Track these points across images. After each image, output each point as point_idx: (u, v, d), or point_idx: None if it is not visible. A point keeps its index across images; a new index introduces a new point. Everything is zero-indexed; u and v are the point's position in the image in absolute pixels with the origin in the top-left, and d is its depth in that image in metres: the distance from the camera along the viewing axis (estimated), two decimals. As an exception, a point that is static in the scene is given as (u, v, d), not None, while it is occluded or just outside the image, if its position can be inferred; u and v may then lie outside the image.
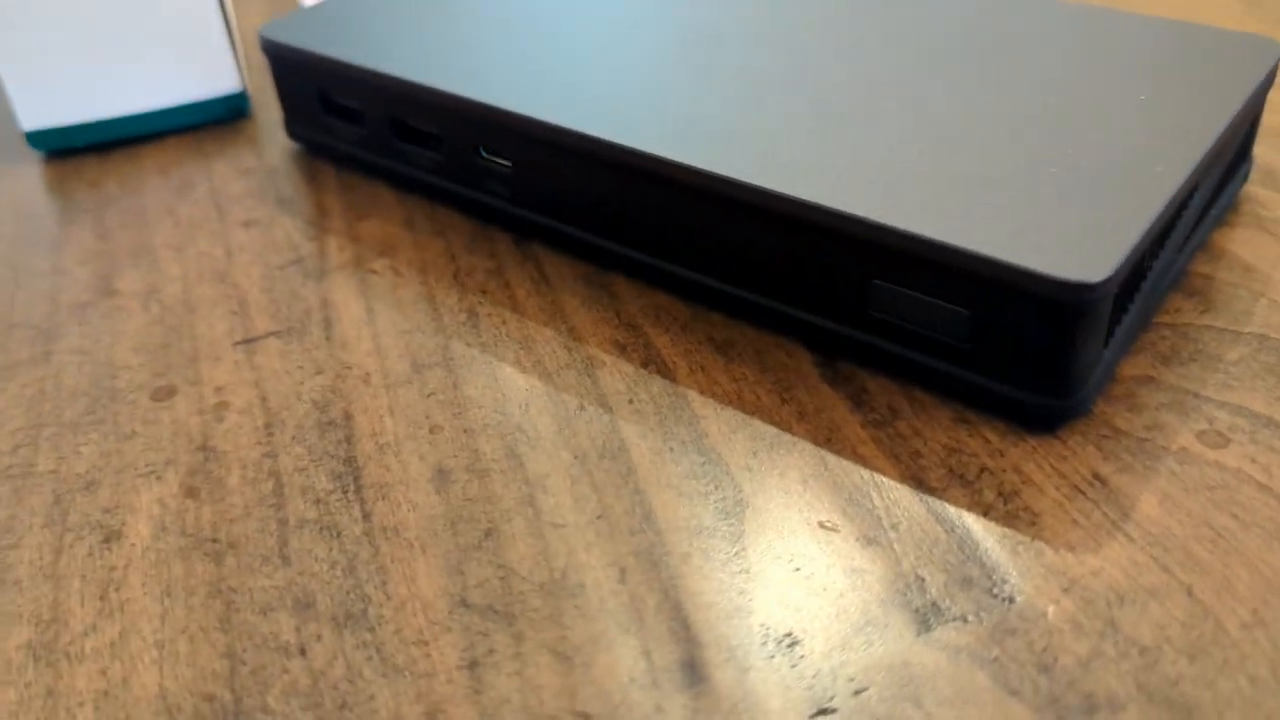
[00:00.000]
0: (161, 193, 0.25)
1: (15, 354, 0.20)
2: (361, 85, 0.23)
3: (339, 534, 0.16)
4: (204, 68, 0.26)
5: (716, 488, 0.16)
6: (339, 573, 0.16)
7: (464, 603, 0.15)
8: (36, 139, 0.26)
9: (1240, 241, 0.20)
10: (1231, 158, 0.20)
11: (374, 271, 0.22)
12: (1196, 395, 0.17)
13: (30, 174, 0.26)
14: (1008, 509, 0.15)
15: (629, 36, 0.22)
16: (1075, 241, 0.15)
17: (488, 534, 0.16)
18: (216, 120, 0.27)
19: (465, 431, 0.18)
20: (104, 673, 0.15)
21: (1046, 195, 0.16)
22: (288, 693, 0.14)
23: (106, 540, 0.16)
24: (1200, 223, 0.19)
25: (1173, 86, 0.19)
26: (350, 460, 0.17)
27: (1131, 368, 0.18)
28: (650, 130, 0.19)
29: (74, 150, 0.27)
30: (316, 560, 0.16)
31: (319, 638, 0.15)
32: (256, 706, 0.14)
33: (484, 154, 0.22)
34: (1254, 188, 0.21)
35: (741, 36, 0.22)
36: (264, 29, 0.24)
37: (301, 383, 0.19)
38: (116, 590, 0.16)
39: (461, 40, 0.23)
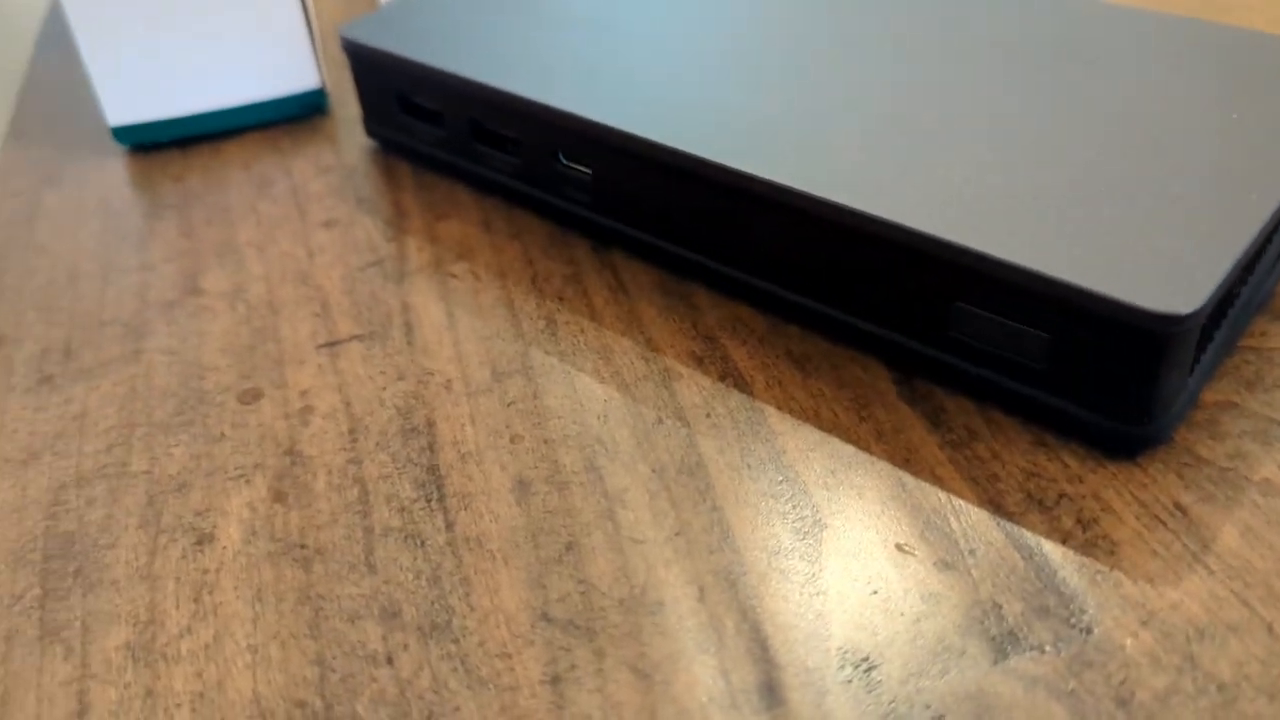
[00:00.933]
0: (243, 189, 0.25)
1: (107, 351, 0.21)
2: (440, 88, 0.23)
3: (423, 543, 0.17)
4: (284, 65, 0.27)
5: (794, 507, 0.16)
6: (424, 582, 0.16)
7: (546, 616, 0.15)
8: (122, 134, 0.27)
9: (1328, 262, 0.20)
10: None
11: (453, 275, 0.22)
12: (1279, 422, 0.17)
13: (116, 168, 0.27)
14: (1086, 537, 0.15)
15: (706, 43, 0.22)
16: (1164, 270, 0.15)
17: (568, 547, 0.16)
18: (296, 117, 0.28)
19: (545, 442, 0.18)
20: (199, 675, 0.15)
21: (1134, 219, 0.16)
22: (376, 701, 0.15)
23: (199, 543, 0.17)
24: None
25: (1264, 104, 0.19)
26: (433, 469, 0.18)
27: (1215, 393, 0.17)
28: (731, 143, 0.19)
29: (157, 145, 0.27)
30: (401, 569, 0.16)
31: (405, 647, 0.15)
32: (347, 714, 0.14)
33: (563, 160, 0.22)
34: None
35: (818, 48, 0.22)
36: (344, 28, 0.25)
37: (384, 388, 0.19)
38: (210, 593, 0.16)
39: (539, 43, 0.23)
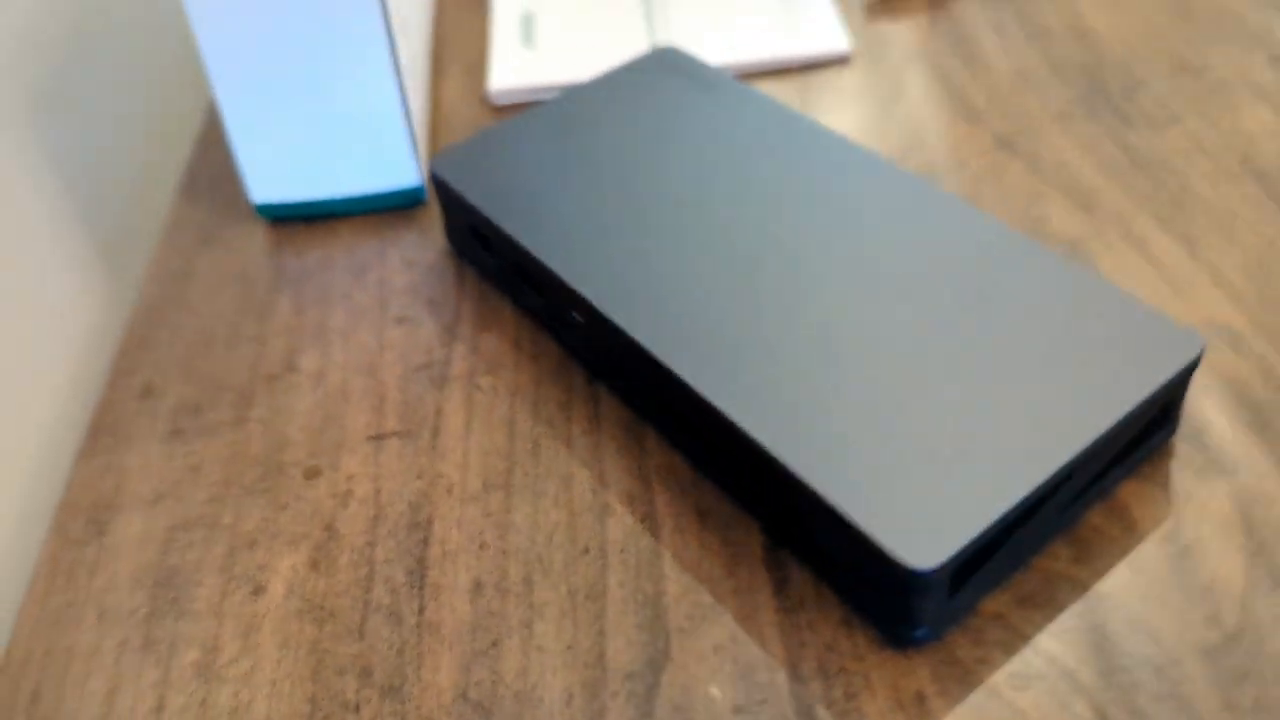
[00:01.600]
0: (344, 274, 0.33)
1: (222, 414, 0.29)
2: (493, 230, 0.29)
3: (400, 621, 0.24)
4: (389, 163, 0.34)
5: (653, 640, 0.23)
6: (393, 653, 0.23)
7: (464, 696, 0.22)
8: (262, 210, 0.34)
9: (1137, 497, 0.24)
10: (1141, 429, 0.24)
11: (479, 388, 0.29)
12: (1026, 638, 0.22)
13: (257, 236, 0.34)
14: (846, 707, 0.21)
15: (700, 254, 0.28)
16: (924, 522, 0.21)
17: (494, 644, 0.23)
18: (401, 205, 0.35)
19: (503, 553, 0.25)
20: (236, 694, 0.23)
21: (924, 463, 0.22)
22: (342, 737, 0.22)
23: (255, 592, 0.25)
24: (1104, 476, 0.24)
25: (1082, 364, 0.23)
26: (422, 560, 0.25)
27: (995, 603, 0.23)
28: (668, 340, 0.25)
29: (291, 219, 0.35)
30: (381, 639, 0.23)
31: (369, 701, 0.22)
32: (321, 743, 0.22)
33: (566, 308, 0.28)
34: (1180, 443, 0.25)
35: (780, 276, 0.27)
36: (434, 161, 0.31)
37: (405, 484, 0.27)
38: (255, 633, 0.24)
39: (574, 214, 0.29)
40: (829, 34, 0.38)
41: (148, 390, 0.30)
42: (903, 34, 0.39)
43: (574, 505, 0.25)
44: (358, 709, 0.22)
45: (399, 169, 0.34)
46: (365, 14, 0.30)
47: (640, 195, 0.29)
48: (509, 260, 0.30)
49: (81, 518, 0.27)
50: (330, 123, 0.32)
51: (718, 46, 0.38)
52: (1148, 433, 0.24)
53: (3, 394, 0.32)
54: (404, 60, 0.33)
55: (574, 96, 0.33)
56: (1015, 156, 0.33)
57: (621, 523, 0.25)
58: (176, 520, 0.26)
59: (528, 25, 0.41)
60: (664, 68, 0.33)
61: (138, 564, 0.25)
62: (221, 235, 0.35)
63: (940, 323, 0.25)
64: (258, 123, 0.32)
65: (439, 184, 0.31)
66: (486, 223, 0.29)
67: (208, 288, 0.33)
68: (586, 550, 0.25)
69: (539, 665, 0.23)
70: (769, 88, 0.37)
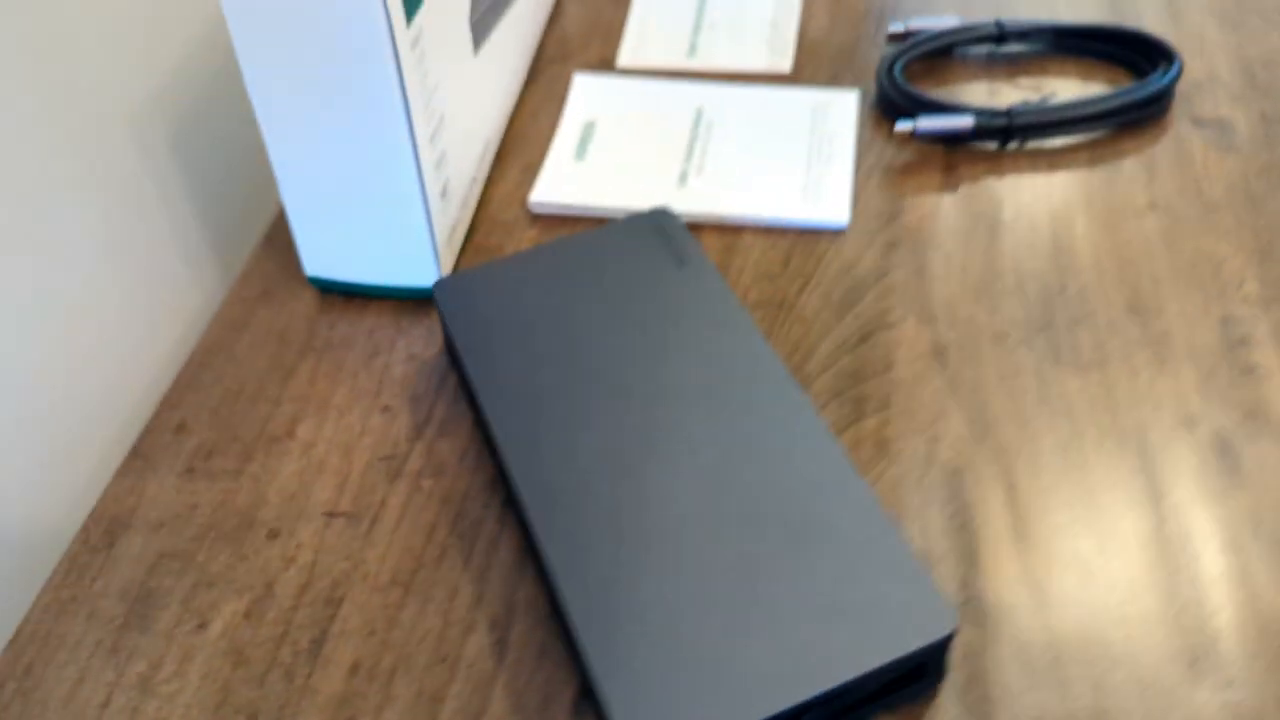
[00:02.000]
0: (359, 354, 0.39)
1: (226, 464, 0.36)
2: (458, 358, 0.36)
3: (291, 681, 0.31)
4: (410, 262, 0.40)
5: (462, 752, 0.29)
6: (276, 706, 0.30)
7: (312, 756, 0.29)
8: (311, 280, 0.41)
9: (886, 731, 0.29)
10: (893, 680, 0.29)
11: (420, 489, 0.35)
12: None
13: (308, 301, 0.41)
14: None
15: (602, 431, 0.33)
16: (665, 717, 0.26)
17: (350, 718, 0.30)
18: (424, 297, 0.41)
19: (383, 643, 0.31)
20: (159, 709, 0.30)
21: (685, 664, 0.27)
22: (220, 764, 0.29)
23: (200, 626, 0.32)
24: (856, 711, 0.29)
25: (850, 612, 0.28)
26: (325, 632, 0.32)
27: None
28: (541, 498, 0.31)
29: (334, 290, 0.42)
30: (273, 692, 0.31)
31: (247, 741, 0.30)
32: (203, 765, 0.29)
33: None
34: (947, 692, 0.30)
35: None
36: (436, 285, 0.38)
37: (336, 562, 0.33)
38: (189, 661, 0.31)
39: (520, 363, 0.35)
40: (835, 205, 0.42)
41: (181, 427, 0.37)
42: (911, 209, 0.42)
43: (449, 616, 0.32)
44: (237, 745, 0.30)
45: (421, 268, 0.40)
46: (390, 125, 0.35)
47: (577, 362, 0.35)
48: (466, 384, 0.36)
49: (102, 527, 0.35)
50: (365, 216, 0.39)
51: (734, 197, 0.43)
52: (904, 682, 0.29)
53: (97, 389, 0.41)
54: (433, 168, 0.38)
55: (565, 247, 0.38)
56: (941, 369, 0.37)
57: (479, 642, 0.31)
58: (166, 548, 0.34)
59: (586, 136, 0.46)
60: (654, 231, 0.39)
61: (128, 579, 0.33)
62: (279, 294, 0.42)
63: (755, 541, 0.30)
64: (308, 205, 0.39)
65: (437, 303, 0.37)
66: (456, 351, 0.36)
67: (254, 341, 0.40)
68: (444, 659, 0.31)
69: (373, 747, 0.29)
70: (766, 241, 0.42)
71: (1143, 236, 0.41)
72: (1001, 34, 0.48)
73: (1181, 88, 0.47)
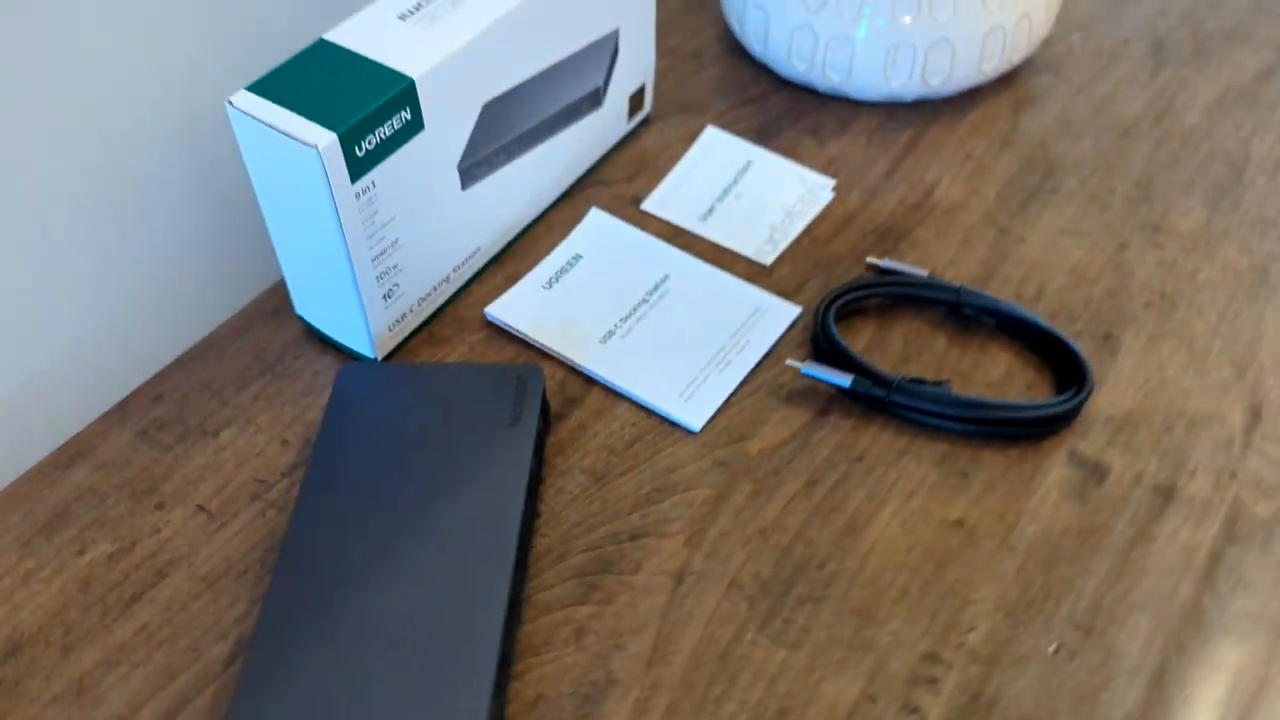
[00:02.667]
0: (297, 389, 0.51)
1: (165, 439, 0.49)
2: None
3: (104, 618, 0.44)
4: (354, 330, 0.51)
5: None
6: (85, 630, 0.44)
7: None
8: (299, 316, 0.53)
9: None
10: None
11: (265, 516, 0.47)
12: None
13: (292, 328, 0.53)
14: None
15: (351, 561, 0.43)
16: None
17: (120, 659, 0.43)
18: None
19: (169, 618, 0.44)
20: (31, 599, 0.45)
21: None
22: None
23: (79, 553, 0.46)
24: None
25: None
26: (142, 594, 0.44)
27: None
28: (277, 608, 0.41)
29: (311, 328, 0.53)
30: (89, 619, 0.44)
31: None
32: None
33: (308, 513, 0.45)
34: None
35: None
36: (340, 371, 0.48)
37: (182, 545, 0.46)
38: (59, 575, 0.45)
39: (336, 474, 0.45)
40: (698, 409, 0.49)
41: (158, 397, 0.51)
42: (760, 438, 0.48)
43: (219, 620, 0.44)
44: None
45: (360, 340, 0.51)
46: (332, 250, 0.46)
47: (380, 476, 0.44)
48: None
49: (70, 451, 0.49)
50: (326, 293, 0.50)
51: (630, 369, 0.50)
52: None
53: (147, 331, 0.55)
54: (374, 280, 0.48)
55: (440, 372, 0.48)
56: (674, 589, 0.44)
57: (221, 650, 0.43)
58: (95, 485, 0.48)
59: (567, 268, 0.54)
60: (513, 384, 0.47)
61: (60, 496, 0.47)
62: (280, 317, 0.54)
63: (391, 653, 0.39)
64: (294, 268, 0.50)
65: (335, 382, 0.48)
66: (323, 423, 0.47)
67: (241, 349, 0.53)
68: (194, 650, 0.43)
69: None
70: (633, 417, 0.49)
71: (929, 547, 0.45)
72: (957, 302, 0.51)
73: (1094, 414, 0.48)
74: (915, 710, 0.40)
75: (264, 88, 0.44)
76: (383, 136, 0.44)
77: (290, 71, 0.45)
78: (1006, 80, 0.65)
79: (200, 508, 0.47)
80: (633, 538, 0.45)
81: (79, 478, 0.48)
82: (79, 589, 0.44)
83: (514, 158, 0.52)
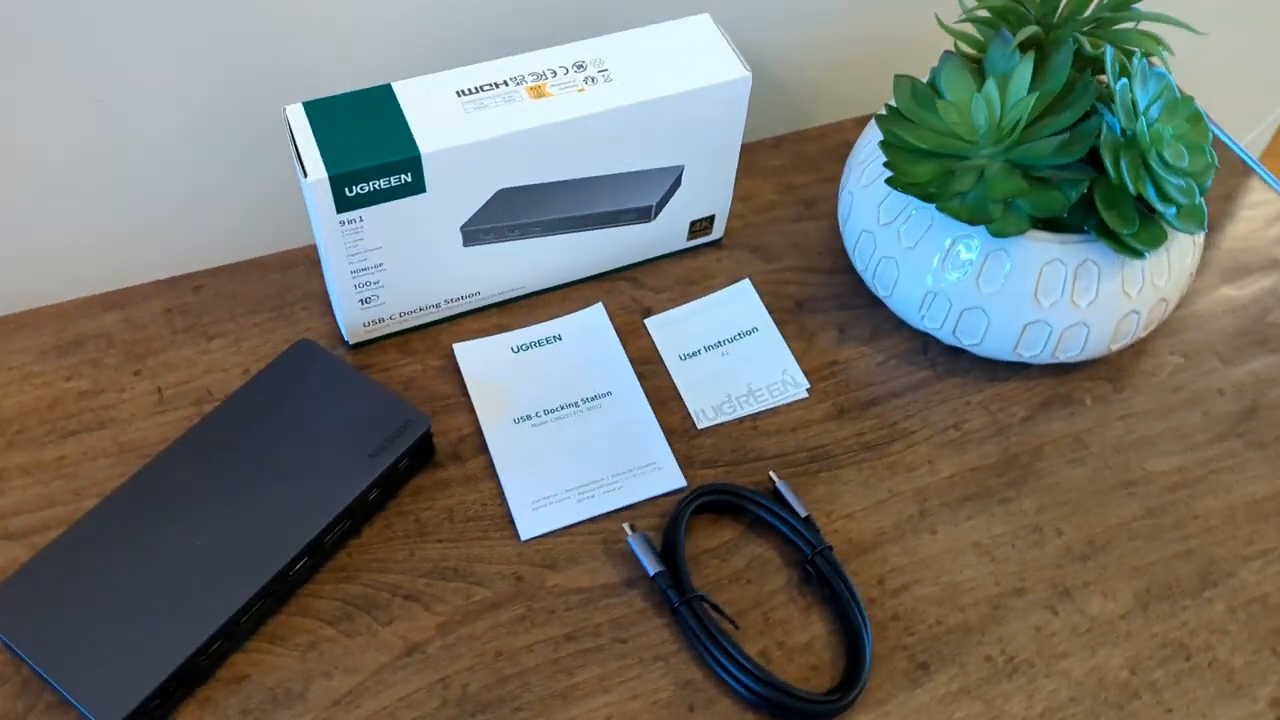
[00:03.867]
0: (279, 343, 0.61)
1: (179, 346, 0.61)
2: (253, 387, 0.56)
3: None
4: (337, 316, 0.59)
5: None
6: None
7: None
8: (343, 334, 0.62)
9: None
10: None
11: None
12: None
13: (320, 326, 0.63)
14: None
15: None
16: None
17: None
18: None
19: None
20: None
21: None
22: (-12, 434, 0.57)
23: (65, 436, 0.59)
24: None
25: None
26: (75, 431, 0.57)
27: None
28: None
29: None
30: None
31: None
32: (-16, 428, 0.57)
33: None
34: None
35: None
36: (297, 342, 0.57)
37: (126, 401, 0.58)
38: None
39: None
40: (533, 523, 0.54)
41: (198, 288, 0.62)
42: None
43: (105, 481, 0.55)
44: None
45: (339, 320, 0.59)
46: (322, 254, 0.55)
47: (234, 451, 0.53)
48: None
49: (106, 300, 0.61)
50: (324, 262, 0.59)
51: (520, 467, 0.56)
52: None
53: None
54: (350, 288, 0.57)
55: (353, 380, 0.55)
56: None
57: None
58: (115, 335, 0.60)
59: (544, 343, 0.60)
60: (399, 423, 0.54)
61: (87, 332, 0.60)
62: (315, 269, 0.63)
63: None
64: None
65: (285, 351, 0.57)
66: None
67: (273, 282, 0.63)
68: None
69: None
70: (492, 499, 0.55)
71: None
72: (811, 557, 0.53)
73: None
74: None
75: (313, 109, 0.52)
76: (377, 187, 0.52)
77: (345, 103, 0.53)
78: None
79: (159, 390, 0.58)
80: (406, 597, 0.52)
81: (107, 322, 0.60)
82: (47, 405, 0.57)
83: (529, 236, 0.58)
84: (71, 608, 0.48)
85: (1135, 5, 0.59)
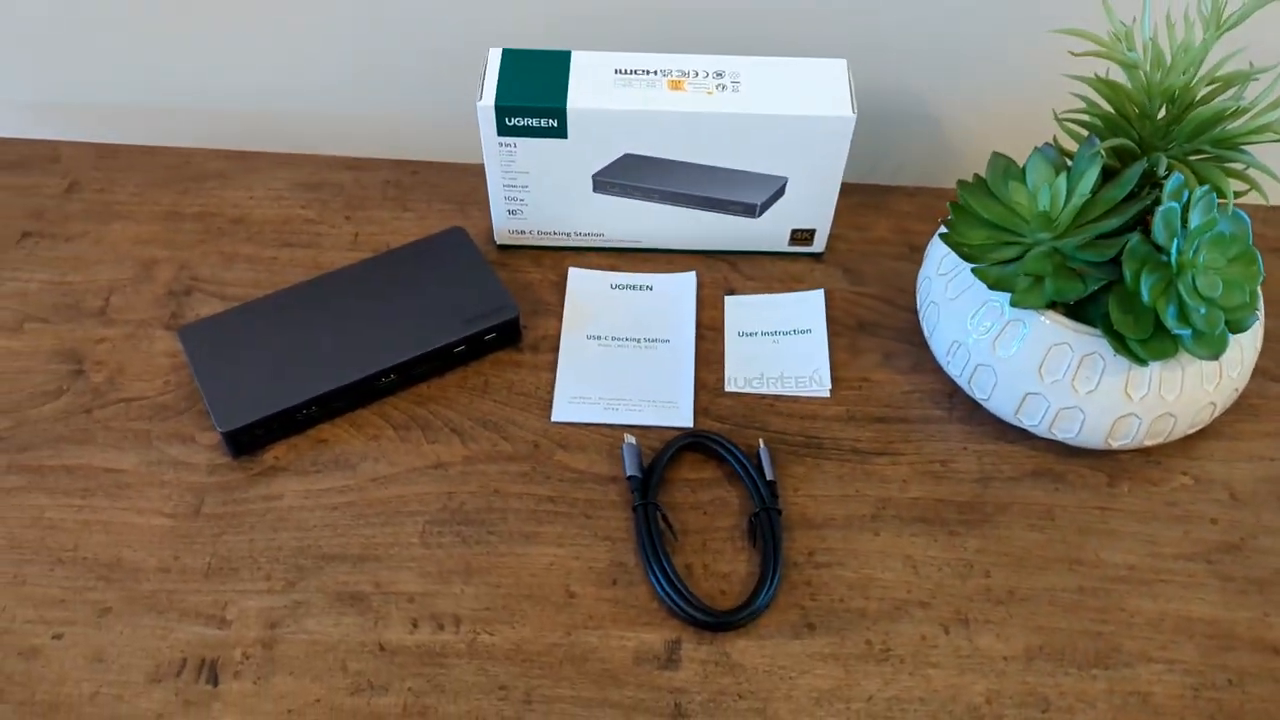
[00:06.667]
0: (413, 231, 0.78)
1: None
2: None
3: (270, 239, 0.77)
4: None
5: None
6: None
7: None
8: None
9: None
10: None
11: (368, 262, 0.76)
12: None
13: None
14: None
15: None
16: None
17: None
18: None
19: None
20: None
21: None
22: None
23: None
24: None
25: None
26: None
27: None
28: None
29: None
30: None
31: None
32: None
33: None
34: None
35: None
36: (449, 230, 0.74)
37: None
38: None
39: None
40: (561, 410, 0.68)
41: (352, 167, 0.81)
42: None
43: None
44: None
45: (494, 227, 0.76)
46: (486, 166, 0.71)
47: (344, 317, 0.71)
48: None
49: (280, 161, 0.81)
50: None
51: (573, 375, 0.70)
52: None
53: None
54: (502, 197, 0.72)
55: (491, 280, 0.71)
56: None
57: (280, 295, 0.74)
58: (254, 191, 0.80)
59: (637, 288, 0.74)
60: (494, 311, 0.69)
61: (205, 172, 0.80)
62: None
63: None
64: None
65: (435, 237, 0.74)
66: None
67: (437, 178, 0.80)
68: (273, 284, 0.74)
69: (236, 270, 0.75)
70: (547, 390, 0.69)
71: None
72: (759, 510, 0.64)
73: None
74: None
75: (508, 56, 0.69)
76: (530, 125, 0.67)
77: (533, 57, 0.69)
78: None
79: (356, 234, 0.77)
80: (453, 430, 0.67)
81: (343, 177, 0.80)
82: (283, 220, 0.77)
83: (649, 200, 0.72)
84: (233, 349, 0.67)
85: (1244, 148, 0.64)
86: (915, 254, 0.76)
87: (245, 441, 0.65)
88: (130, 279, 0.74)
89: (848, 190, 0.75)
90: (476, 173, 0.79)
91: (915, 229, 0.78)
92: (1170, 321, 0.60)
